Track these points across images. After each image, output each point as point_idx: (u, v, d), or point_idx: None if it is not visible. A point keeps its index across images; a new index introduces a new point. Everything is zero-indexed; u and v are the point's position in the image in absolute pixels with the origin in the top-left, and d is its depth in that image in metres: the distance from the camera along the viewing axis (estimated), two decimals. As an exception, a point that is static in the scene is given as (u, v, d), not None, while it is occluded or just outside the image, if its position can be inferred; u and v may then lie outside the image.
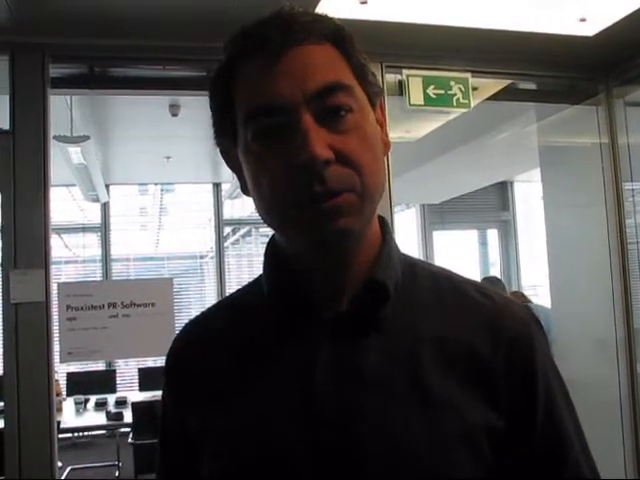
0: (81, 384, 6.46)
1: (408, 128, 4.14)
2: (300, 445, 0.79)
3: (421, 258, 0.97)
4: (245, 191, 0.87)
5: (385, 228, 0.91)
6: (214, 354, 0.91)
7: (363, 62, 0.84)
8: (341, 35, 0.82)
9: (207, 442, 0.87)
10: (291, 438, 0.80)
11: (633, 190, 3.63)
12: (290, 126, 0.76)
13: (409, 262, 0.92)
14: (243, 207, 8.23)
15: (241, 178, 0.87)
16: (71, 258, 7.89)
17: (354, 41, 0.84)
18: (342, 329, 0.84)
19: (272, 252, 0.91)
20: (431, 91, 3.24)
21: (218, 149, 0.90)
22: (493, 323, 0.85)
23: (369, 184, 0.79)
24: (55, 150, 3.50)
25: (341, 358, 0.82)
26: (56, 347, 2.87)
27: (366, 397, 0.80)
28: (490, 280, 6.35)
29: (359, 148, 0.78)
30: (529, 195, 8.95)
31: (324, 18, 0.83)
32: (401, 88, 3.24)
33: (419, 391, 0.80)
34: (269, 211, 0.81)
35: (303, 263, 0.86)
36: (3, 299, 2.76)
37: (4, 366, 2.76)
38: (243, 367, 0.87)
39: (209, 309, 1.01)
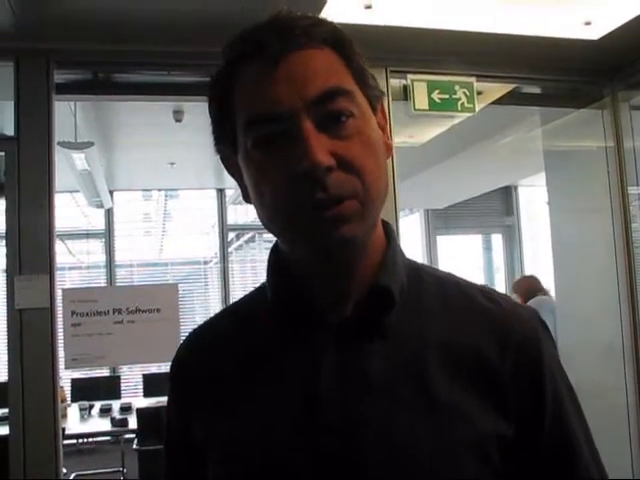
0: (86, 390, 6.46)
1: (412, 133, 4.14)
2: (304, 452, 0.79)
3: (425, 263, 0.96)
4: (246, 198, 0.86)
5: (389, 232, 0.90)
6: (219, 361, 0.91)
7: (363, 66, 0.83)
8: (341, 39, 0.81)
9: (212, 448, 0.86)
10: (295, 445, 0.79)
11: (639, 194, 3.61)
12: (291, 133, 0.75)
13: (414, 267, 0.91)
14: (247, 213, 8.24)
15: (242, 185, 0.86)
16: (75, 264, 7.90)
17: (354, 45, 0.83)
18: (347, 335, 0.83)
19: (275, 258, 0.90)
20: (436, 96, 3.23)
21: (218, 156, 0.90)
22: (500, 328, 0.84)
23: (372, 190, 0.78)
24: (59, 156, 3.50)
25: (346, 364, 0.81)
26: (61, 353, 2.86)
27: (371, 403, 0.79)
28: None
29: (361, 154, 0.78)
30: (533, 199, 8.95)
31: (323, 22, 0.82)
32: (406, 93, 3.24)
33: (425, 397, 0.79)
34: (271, 219, 0.81)
35: (306, 269, 0.85)
36: (7, 305, 2.76)
37: (9, 372, 2.75)
38: (247, 374, 0.87)
39: (214, 316, 1.01)
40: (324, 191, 0.74)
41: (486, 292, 0.89)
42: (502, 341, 0.82)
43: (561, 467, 0.82)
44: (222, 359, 0.90)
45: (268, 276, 0.90)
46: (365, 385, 0.80)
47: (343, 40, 0.82)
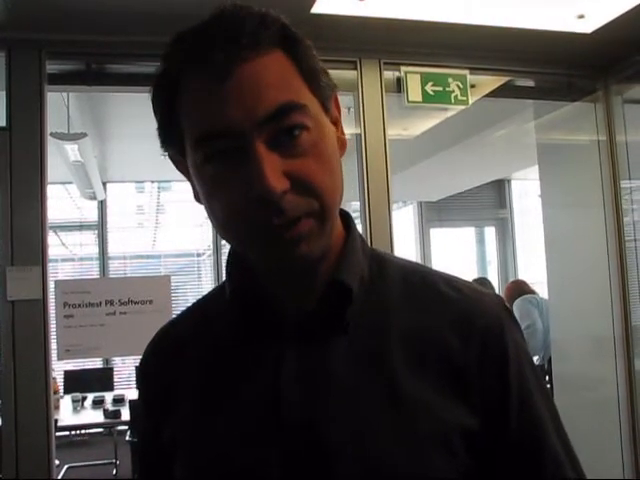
0: (78, 382, 6.46)
1: (406, 125, 4.14)
2: (270, 451, 0.78)
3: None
4: (198, 200, 0.84)
5: (348, 223, 0.89)
6: (182, 362, 0.90)
7: (313, 65, 0.80)
8: (290, 38, 0.78)
9: (178, 449, 0.86)
10: (259, 447, 0.79)
11: (631, 188, 3.62)
12: (243, 152, 0.73)
13: (377, 257, 0.90)
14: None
15: (193, 186, 0.84)
16: (68, 256, 7.88)
17: (306, 43, 0.80)
18: (307, 331, 0.82)
19: (234, 256, 0.89)
20: (429, 88, 3.23)
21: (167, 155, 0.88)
22: (464, 317, 0.83)
23: (328, 205, 0.77)
24: (52, 147, 3.49)
25: (307, 361, 0.81)
26: (53, 345, 2.86)
27: (334, 400, 0.79)
28: (479, 282, 6.37)
29: (316, 170, 0.76)
30: (526, 193, 8.97)
31: (272, 20, 0.77)
32: (399, 85, 3.23)
33: (389, 392, 0.78)
34: (225, 234, 0.80)
35: (264, 271, 0.85)
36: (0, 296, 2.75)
37: (1, 364, 2.74)
38: (210, 375, 0.86)
39: (177, 316, 1.00)
40: (280, 215, 0.73)
41: (450, 280, 0.88)
42: (466, 330, 0.82)
43: (529, 454, 0.81)
44: (185, 360, 0.90)
45: (227, 273, 0.89)
46: (328, 382, 0.80)
47: (292, 39, 0.78)
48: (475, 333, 0.82)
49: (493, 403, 0.80)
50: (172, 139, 0.81)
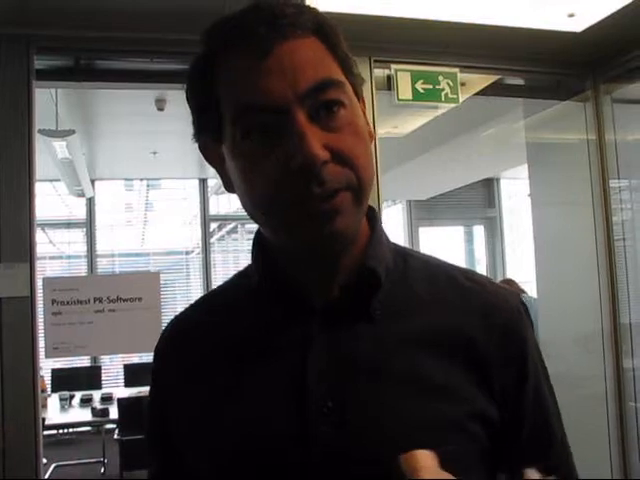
0: (66, 380, 6.44)
1: (396, 124, 4.13)
2: (293, 437, 0.79)
3: (408, 247, 0.98)
4: (228, 188, 0.86)
5: (373, 216, 0.91)
6: (202, 350, 0.90)
7: (347, 54, 0.83)
8: (326, 27, 0.81)
9: (198, 441, 0.86)
10: (284, 430, 0.80)
11: (620, 187, 3.63)
12: (284, 125, 0.75)
13: (399, 250, 0.93)
14: (229, 203, 8.22)
15: (223, 175, 0.85)
16: (56, 254, 7.85)
17: (339, 32, 0.83)
18: (334, 317, 0.83)
19: (260, 243, 0.90)
20: (419, 86, 3.23)
21: (197, 145, 0.89)
22: (486, 310, 0.86)
23: (364, 179, 0.79)
24: (40, 144, 3.46)
25: (334, 347, 0.82)
26: (41, 342, 2.84)
27: (360, 386, 0.80)
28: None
29: (353, 144, 0.78)
30: (515, 192, 9.00)
31: (308, 9, 0.81)
32: (389, 83, 3.23)
33: (414, 379, 0.81)
34: (262, 211, 0.80)
35: (292, 255, 0.86)
36: (-13, 294, 2.73)
37: (-12, 362, 2.73)
38: (233, 362, 0.86)
39: (196, 303, 1.00)
40: (320, 185, 0.75)
41: (466, 273, 0.92)
42: (487, 322, 0.85)
43: (537, 448, 0.84)
44: (205, 348, 0.90)
45: (254, 259, 0.90)
46: (354, 367, 0.81)
47: (329, 28, 0.82)
48: (496, 326, 0.85)
49: (511, 395, 0.83)
50: (208, 123, 0.82)
